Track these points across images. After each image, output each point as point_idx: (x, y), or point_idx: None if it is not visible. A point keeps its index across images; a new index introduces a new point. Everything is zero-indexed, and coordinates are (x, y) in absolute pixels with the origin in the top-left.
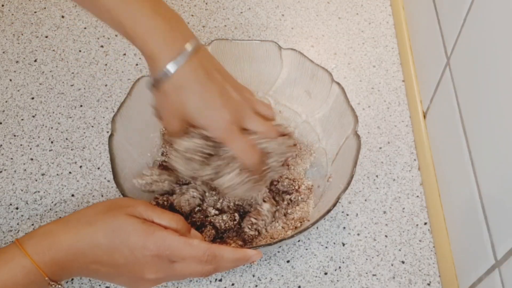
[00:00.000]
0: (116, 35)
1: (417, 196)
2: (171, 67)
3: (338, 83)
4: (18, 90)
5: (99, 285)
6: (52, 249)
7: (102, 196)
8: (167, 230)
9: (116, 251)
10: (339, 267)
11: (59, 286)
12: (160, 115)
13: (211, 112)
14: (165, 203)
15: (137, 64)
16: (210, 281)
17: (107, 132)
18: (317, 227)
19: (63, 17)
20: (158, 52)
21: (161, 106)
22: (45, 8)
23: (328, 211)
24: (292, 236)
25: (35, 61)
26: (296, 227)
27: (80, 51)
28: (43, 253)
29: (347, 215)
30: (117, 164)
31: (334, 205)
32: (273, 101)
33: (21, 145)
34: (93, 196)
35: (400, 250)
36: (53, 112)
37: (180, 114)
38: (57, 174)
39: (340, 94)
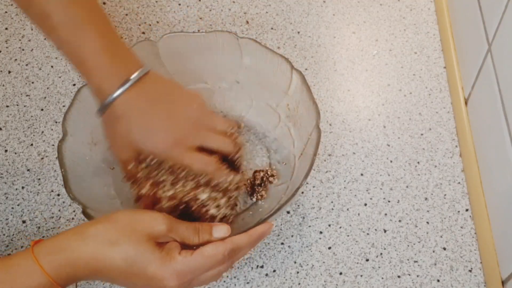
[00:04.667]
0: (157, 22)
1: (459, 183)
2: (114, 95)
3: (299, 71)
4: (60, 77)
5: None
6: (70, 266)
7: None
8: (183, 254)
9: (134, 277)
10: (381, 254)
11: None
12: (109, 145)
13: (155, 137)
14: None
15: None
16: (252, 268)
17: None
18: (358, 214)
19: (104, 3)
20: (103, 84)
21: (108, 136)
22: None
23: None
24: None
25: None
26: None
27: (121, 37)
28: (60, 269)
29: (389, 201)
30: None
31: (297, 189)
32: (234, 94)
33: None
34: None
35: (441, 236)
36: None
37: (126, 142)
38: None
39: (300, 83)
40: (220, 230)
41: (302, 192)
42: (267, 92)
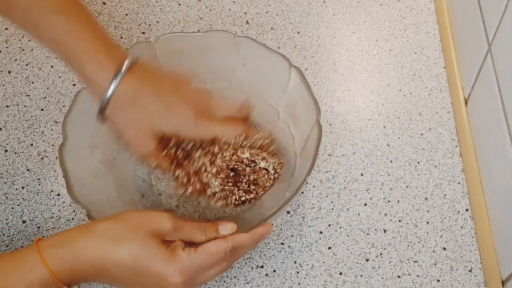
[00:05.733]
0: (157, 22)
1: (459, 183)
2: (114, 85)
3: (297, 68)
4: (60, 77)
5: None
6: (74, 261)
7: None
8: (187, 251)
9: (140, 273)
10: (381, 254)
11: None
12: (126, 141)
13: (176, 113)
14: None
15: None
16: (252, 268)
17: None
18: (358, 214)
19: (104, 3)
20: (98, 78)
21: (121, 130)
22: None
23: (296, 192)
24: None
25: None
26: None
27: (121, 37)
28: (63, 264)
29: (389, 201)
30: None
31: (299, 189)
32: (232, 93)
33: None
34: None
35: (441, 236)
36: None
37: (146, 127)
38: None
39: (299, 80)
40: (226, 227)
41: (302, 192)
42: (265, 90)
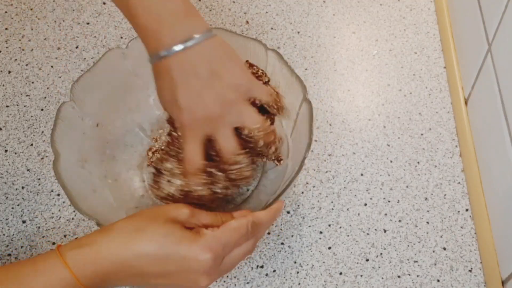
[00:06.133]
0: None
1: (459, 183)
2: (177, 47)
3: (274, 50)
4: (60, 77)
5: None
6: (96, 262)
7: None
8: (210, 229)
9: (166, 261)
10: (381, 254)
11: None
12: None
13: (178, 110)
14: None
15: None
16: (252, 268)
17: None
18: (358, 214)
19: (104, 3)
20: (169, 29)
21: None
22: None
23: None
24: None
25: (77, 47)
26: None
27: (121, 37)
28: (84, 266)
29: (389, 201)
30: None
31: (300, 169)
32: None
33: None
34: None
35: (441, 236)
36: None
37: (160, 96)
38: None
39: (277, 62)
40: (240, 213)
41: (302, 192)
42: None
